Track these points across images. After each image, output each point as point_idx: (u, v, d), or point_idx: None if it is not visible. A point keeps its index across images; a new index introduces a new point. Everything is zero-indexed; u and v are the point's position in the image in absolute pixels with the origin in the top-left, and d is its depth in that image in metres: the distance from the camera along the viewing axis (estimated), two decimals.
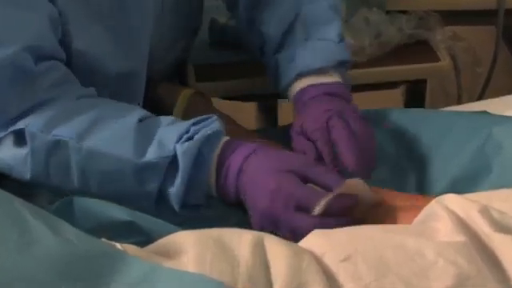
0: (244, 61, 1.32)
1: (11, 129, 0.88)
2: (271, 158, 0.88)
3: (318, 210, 0.83)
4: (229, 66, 1.33)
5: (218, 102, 1.22)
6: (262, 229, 0.83)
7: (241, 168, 0.87)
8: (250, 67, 1.31)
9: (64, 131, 0.87)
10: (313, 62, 1.04)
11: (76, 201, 0.82)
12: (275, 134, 1.10)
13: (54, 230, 0.69)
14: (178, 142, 0.86)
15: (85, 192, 0.87)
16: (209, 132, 0.87)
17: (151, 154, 0.86)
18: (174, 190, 0.87)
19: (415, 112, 1.11)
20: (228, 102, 1.34)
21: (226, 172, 0.88)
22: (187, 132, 0.87)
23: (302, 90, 1.04)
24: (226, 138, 0.90)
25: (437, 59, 1.36)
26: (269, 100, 1.48)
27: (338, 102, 1.01)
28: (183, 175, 0.86)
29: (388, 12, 1.39)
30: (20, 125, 0.88)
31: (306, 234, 0.77)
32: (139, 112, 0.91)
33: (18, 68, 0.87)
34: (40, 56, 0.89)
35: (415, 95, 1.47)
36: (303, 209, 0.84)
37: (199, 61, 1.33)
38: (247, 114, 1.52)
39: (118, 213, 0.81)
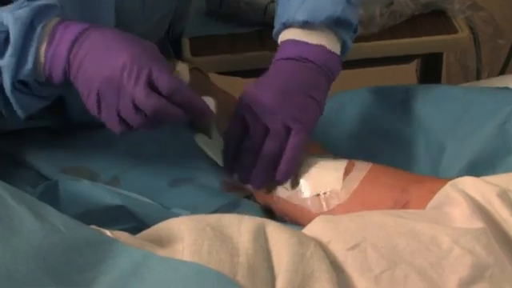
0: (243, 33, 1.32)
1: None
2: (116, 33, 0.89)
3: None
4: (227, 38, 1.34)
5: (214, 78, 1.23)
6: (98, 104, 0.84)
7: (76, 39, 0.88)
8: (249, 40, 1.32)
9: None
10: (299, 12, 1.00)
11: (62, 184, 0.83)
12: None
13: (38, 216, 0.69)
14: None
15: None
16: (42, 3, 0.88)
17: None
18: (5, 61, 0.87)
19: (430, 88, 1.12)
20: (226, 77, 1.34)
21: (58, 43, 0.88)
22: (21, 6, 0.88)
23: (282, 44, 1.02)
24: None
25: (454, 30, 1.36)
26: None
27: (303, 75, 0.99)
28: (13, 45, 0.87)
29: None
30: None
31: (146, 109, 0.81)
32: None
33: None
34: None
35: (430, 70, 1.47)
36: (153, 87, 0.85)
37: (195, 33, 1.34)
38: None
39: (107, 197, 0.82)
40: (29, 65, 0.87)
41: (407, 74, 1.59)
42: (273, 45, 1.30)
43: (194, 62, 1.22)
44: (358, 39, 1.32)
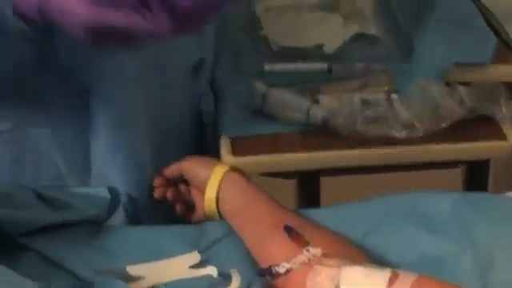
0: (285, 134, 1.34)
1: None
2: None
3: None
4: (269, 138, 1.35)
5: (255, 179, 1.24)
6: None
7: None
8: (291, 141, 1.34)
9: None
10: None
11: (97, 285, 0.83)
12: (318, 214, 1.11)
13: None
14: None
15: None
16: None
17: None
18: None
19: (476, 197, 1.11)
20: (267, 178, 1.35)
21: None
22: None
23: None
24: None
25: (502, 137, 1.36)
26: (310, 177, 1.49)
27: None
28: None
29: (448, 83, 1.40)
30: None
31: None
32: None
33: None
34: None
35: (477, 177, 1.47)
36: None
37: (236, 132, 1.36)
38: (286, 191, 1.53)
39: None
40: None
41: (452, 180, 1.58)
42: (316, 146, 1.33)
43: (234, 163, 1.24)
44: (402, 143, 1.34)
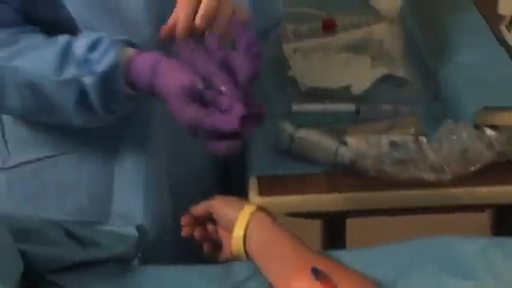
0: (313, 174, 1.34)
1: None
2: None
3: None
4: (296, 178, 1.36)
5: (282, 219, 1.24)
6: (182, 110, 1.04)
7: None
8: (319, 181, 1.34)
9: None
10: None
11: None
12: (345, 256, 1.10)
13: None
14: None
15: (16, 104, 1.14)
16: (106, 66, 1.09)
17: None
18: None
19: (505, 241, 1.11)
20: (293, 219, 1.35)
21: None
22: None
23: None
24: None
25: None
26: (336, 218, 1.49)
27: None
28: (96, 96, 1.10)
29: (476, 126, 1.40)
30: None
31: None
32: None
33: None
34: None
35: (505, 221, 1.46)
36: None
37: (263, 172, 1.36)
38: (312, 232, 1.53)
39: None
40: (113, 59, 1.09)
41: (480, 224, 1.58)
42: (343, 187, 1.33)
43: (261, 203, 1.24)
44: (430, 185, 1.33)
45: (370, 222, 1.46)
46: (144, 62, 1.11)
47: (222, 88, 1.05)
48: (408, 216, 1.41)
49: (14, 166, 1.30)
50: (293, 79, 1.56)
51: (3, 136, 1.30)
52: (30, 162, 1.28)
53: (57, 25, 1.17)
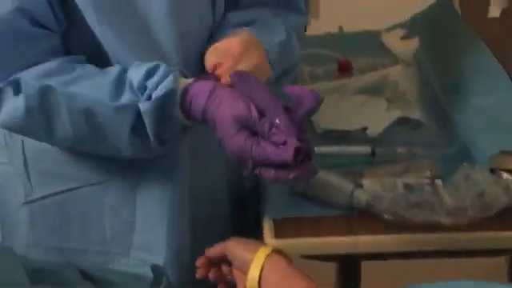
0: (329, 216, 1.34)
1: (9, 80, 1.15)
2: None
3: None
4: (312, 221, 1.35)
5: (298, 262, 1.23)
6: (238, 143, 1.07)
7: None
8: (335, 224, 1.34)
9: (52, 80, 1.14)
10: None
11: None
12: None
13: None
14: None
15: (68, 133, 1.15)
16: (164, 91, 1.11)
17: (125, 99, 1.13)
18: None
19: None
20: (309, 261, 1.35)
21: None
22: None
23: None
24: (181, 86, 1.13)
25: None
26: (351, 260, 1.49)
27: None
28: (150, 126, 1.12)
29: (492, 170, 1.40)
30: (15, 77, 1.15)
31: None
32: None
33: (16, 29, 1.13)
34: (32, 21, 1.14)
35: None
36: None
37: (278, 214, 1.36)
38: (327, 274, 1.53)
39: None
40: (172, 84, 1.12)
41: (497, 268, 1.57)
42: (359, 230, 1.32)
43: (276, 245, 1.24)
44: (446, 230, 1.33)
45: (385, 265, 1.45)
46: (201, 88, 1.13)
47: (277, 121, 1.06)
48: (423, 260, 1.40)
49: (37, 199, 1.29)
50: (309, 121, 1.57)
51: (26, 168, 1.30)
52: (53, 194, 1.28)
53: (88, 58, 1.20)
